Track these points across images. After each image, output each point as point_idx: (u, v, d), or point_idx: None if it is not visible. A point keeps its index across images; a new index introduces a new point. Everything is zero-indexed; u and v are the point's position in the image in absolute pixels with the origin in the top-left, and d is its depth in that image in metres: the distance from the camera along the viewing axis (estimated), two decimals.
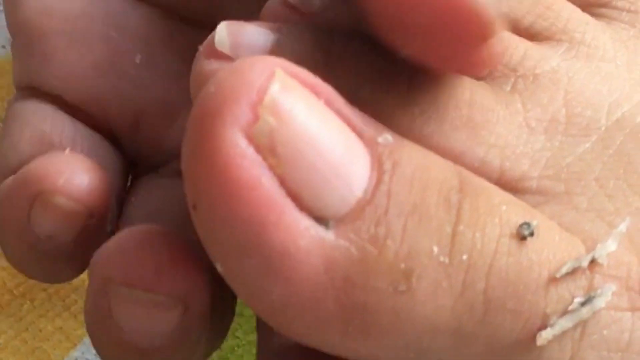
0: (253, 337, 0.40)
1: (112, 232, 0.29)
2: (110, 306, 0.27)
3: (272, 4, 0.28)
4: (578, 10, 0.30)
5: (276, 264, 0.23)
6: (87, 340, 0.41)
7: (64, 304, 0.41)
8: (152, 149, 0.34)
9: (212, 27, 0.27)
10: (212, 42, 0.26)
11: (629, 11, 0.30)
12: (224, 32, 0.26)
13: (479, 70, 0.26)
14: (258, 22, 0.27)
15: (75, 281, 0.41)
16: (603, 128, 0.27)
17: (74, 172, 0.29)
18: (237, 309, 0.30)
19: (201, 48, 0.27)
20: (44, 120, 0.31)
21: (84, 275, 0.41)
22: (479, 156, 0.26)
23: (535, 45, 0.29)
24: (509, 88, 0.28)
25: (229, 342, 0.40)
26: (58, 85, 0.33)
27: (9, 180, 0.31)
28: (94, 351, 0.40)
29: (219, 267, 0.24)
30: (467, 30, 0.24)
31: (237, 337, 0.40)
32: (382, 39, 0.25)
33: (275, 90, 0.23)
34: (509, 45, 0.28)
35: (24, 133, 0.32)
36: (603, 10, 0.30)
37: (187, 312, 0.27)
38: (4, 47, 0.49)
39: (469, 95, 0.27)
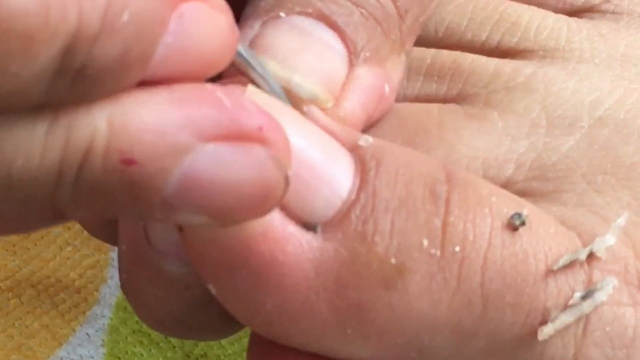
0: (238, 346, 0.40)
1: None
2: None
3: None
4: (550, 16, 0.30)
5: (266, 273, 0.23)
6: (72, 339, 0.40)
7: (52, 302, 0.41)
8: None
9: None
10: None
11: (613, 12, 0.30)
12: None
13: None
14: None
15: (65, 280, 0.41)
16: (586, 126, 0.27)
17: None
18: None
19: None
20: None
21: (74, 275, 0.41)
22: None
23: (507, 61, 0.29)
24: (481, 104, 0.28)
25: (214, 351, 0.40)
26: None
27: None
28: (79, 352, 0.40)
29: (212, 288, 0.24)
30: None
31: (223, 347, 0.40)
32: None
33: None
34: (476, 67, 0.29)
35: None
36: (587, 14, 0.31)
37: None
38: None
39: (436, 119, 0.28)
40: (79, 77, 0.20)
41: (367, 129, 0.28)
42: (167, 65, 0.21)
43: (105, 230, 0.29)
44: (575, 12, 0.31)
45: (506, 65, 0.29)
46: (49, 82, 0.20)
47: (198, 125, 0.21)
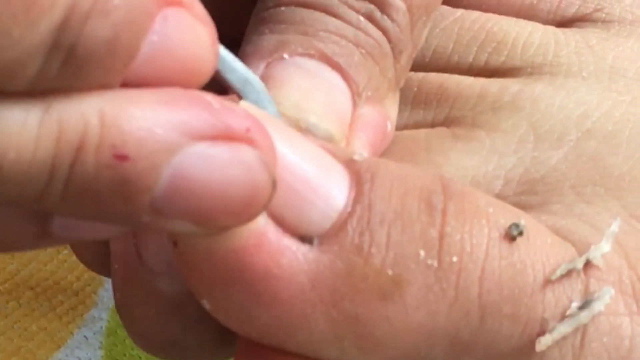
0: None
1: None
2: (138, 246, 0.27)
3: None
4: (538, 30, 0.30)
5: (260, 286, 0.23)
6: (70, 342, 0.41)
7: (50, 305, 0.41)
8: None
9: None
10: None
11: (604, 21, 0.31)
12: None
13: None
14: None
15: (63, 282, 0.41)
16: (575, 139, 0.28)
17: None
18: None
19: None
20: None
21: (72, 277, 0.41)
22: None
23: (494, 80, 0.29)
24: (468, 126, 0.28)
25: None
26: None
27: None
28: (77, 354, 0.40)
29: (206, 304, 0.24)
30: None
31: None
32: None
33: None
34: (463, 90, 0.29)
35: None
36: (579, 24, 0.31)
37: None
38: None
39: (423, 144, 0.28)
40: (69, 57, 0.20)
41: None
42: (151, 65, 0.21)
43: (99, 260, 0.29)
44: (566, 22, 0.31)
45: (492, 86, 0.29)
46: (44, 57, 0.20)
47: (188, 124, 0.21)
